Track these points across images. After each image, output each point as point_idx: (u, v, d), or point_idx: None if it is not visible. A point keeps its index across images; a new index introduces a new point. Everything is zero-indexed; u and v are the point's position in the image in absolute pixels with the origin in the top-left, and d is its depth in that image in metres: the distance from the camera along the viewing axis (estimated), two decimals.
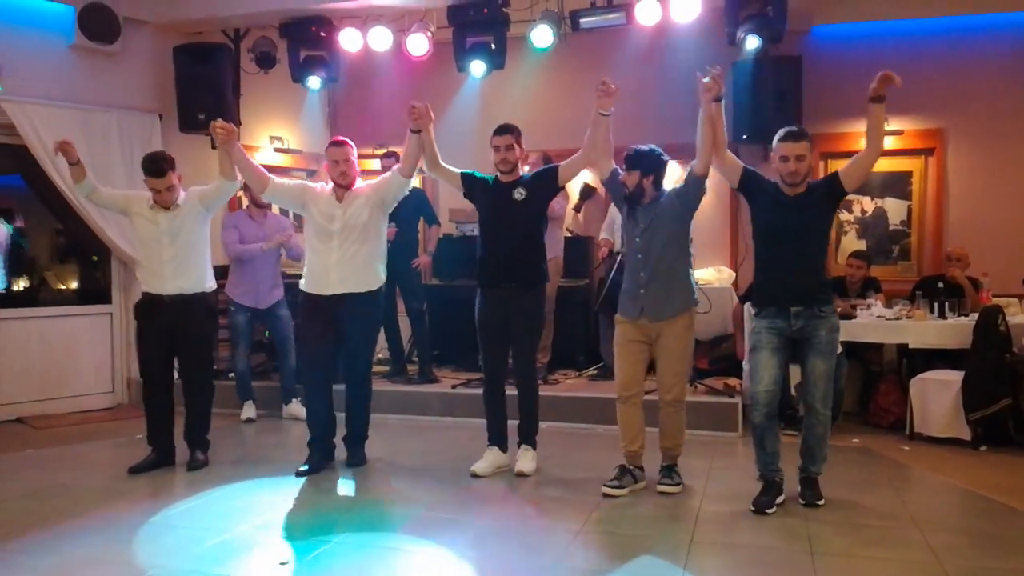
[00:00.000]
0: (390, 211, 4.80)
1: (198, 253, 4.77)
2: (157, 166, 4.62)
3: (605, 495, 4.11)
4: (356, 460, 4.79)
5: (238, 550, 3.45)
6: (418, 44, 6.51)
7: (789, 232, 3.92)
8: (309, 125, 8.23)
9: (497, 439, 4.66)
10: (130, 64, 6.77)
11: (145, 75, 6.88)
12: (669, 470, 4.29)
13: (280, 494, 4.25)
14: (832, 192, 3.95)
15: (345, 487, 4.43)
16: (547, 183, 4.55)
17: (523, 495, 4.24)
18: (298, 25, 6.80)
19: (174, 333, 4.71)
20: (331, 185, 4.68)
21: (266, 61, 7.02)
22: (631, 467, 4.26)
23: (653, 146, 4.20)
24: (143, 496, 4.25)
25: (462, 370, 6.77)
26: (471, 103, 7.50)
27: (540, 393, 5.90)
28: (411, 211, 6.56)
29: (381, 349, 7.32)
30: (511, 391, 4.69)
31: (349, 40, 6.76)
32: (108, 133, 6.52)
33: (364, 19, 6.74)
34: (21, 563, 3.33)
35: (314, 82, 7.01)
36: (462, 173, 4.64)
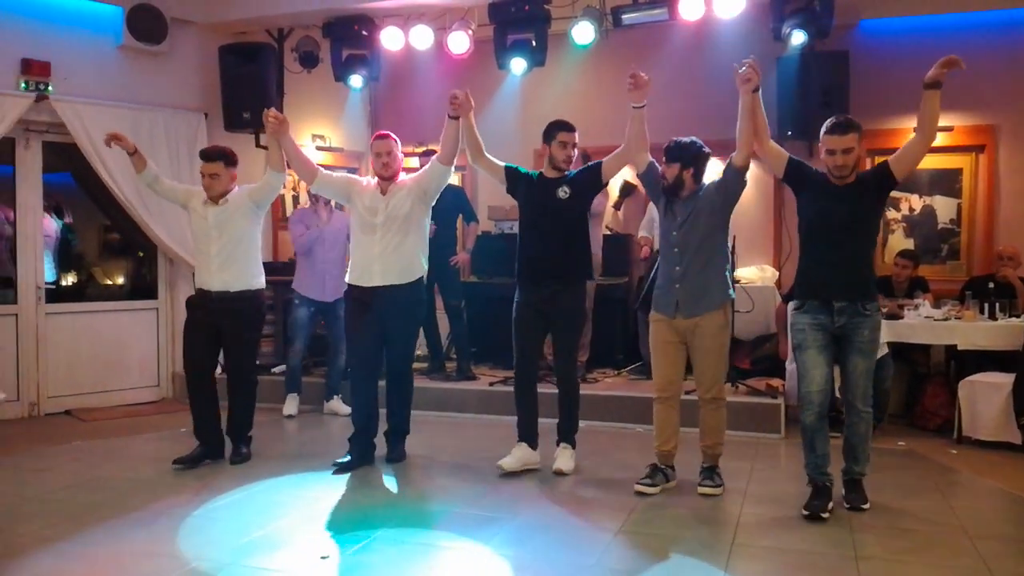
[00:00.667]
0: (433, 202, 4.82)
1: (245, 250, 4.81)
2: (209, 151, 4.82)
3: (638, 492, 4.09)
4: (396, 455, 4.82)
5: (280, 544, 3.49)
6: (459, 42, 6.53)
7: (836, 224, 3.81)
8: (351, 123, 8.31)
9: (527, 435, 4.61)
10: (177, 64, 6.88)
11: (191, 75, 6.99)
12: (710, 471, 4.23)
13: (322, 489, 4.29)
14: (882, 182, 3.84)
15: (385, 483, 4.45)
16: (591, 180, 4.52)
17: (562, 493, 4.22)
18: (341, 24, 6.86)
19: (220, 329, 4.77)
20: (376, 179, 4.74)
21: (309, 60, 7.08)
22: (663, 466, 4.22)
23: (694, 138, 4.14)
24: (187, 489, 4.31)
25: (500, 367, 6.77)
26: (512, 100, 7.50)
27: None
28: (449, 208, 6.57)
29: (420, 346, 7.35)
30: (544, 389, 4.67)
31: (391, 39, 6.80)
32: (155, 132, 6.63)
33: (406, 18, 6.78)
34: (69, 552, 3.40)
35: (356, 81, 7.06)
36: (506, 166, 4.63)
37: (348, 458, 4.65)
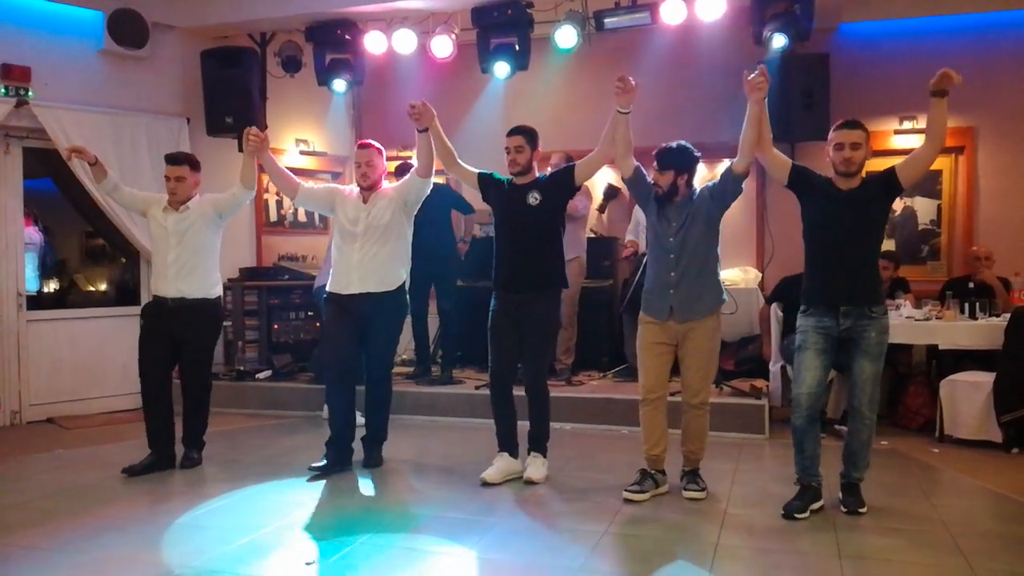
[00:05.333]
0: (415, 212, 4.80)
1: (203, 258, 4.78)
2: (175, 154, 4.90)
3: (626, 500, 4.06)
4: (371, 461, 4.80)
5: (264, 550, 3.48)
6: (442, 46, 6.53)
7: (841, 228, 3.80)
8: (334, 128, 8.29)
9: (507, 444, 4.54)
10: (158, 69, 6.85)
11: (173, 79, 6.96)
12: (693, 475, 4.22)
13: (306, 495, 4.28)
14: (888, 187, 3.83)
15: (370, 488, 4.44)
16: (563, 184, 4.44)
17: (546, 497, 4.23)
18: (323, 28, 6.85)
19: (175, 338, 4.73)
20: (358, 188, 4.75)
21: (292, 64, 7.07)
22: (652, 471, 4.19)
23: (683, 143, 4.12)
24: (171, 496, 4.30)
25: (485, 371, 6.72)
26: (495, 104, 7.51)
27: (564, 395, 5.91)
28: (442, 208, 6.52)
29: (406, 350, 7.35)
30: (519, 393, 4.56)
31: (374, 43, 6.80)
32: (137, 137, 6.60)
33: (389, 22, 6.78)
34: (52, 560, 3.38)
35: (339, 85, 7.05)
36: (479, 173, 4.58)
37: (324, 462, 4.61)
